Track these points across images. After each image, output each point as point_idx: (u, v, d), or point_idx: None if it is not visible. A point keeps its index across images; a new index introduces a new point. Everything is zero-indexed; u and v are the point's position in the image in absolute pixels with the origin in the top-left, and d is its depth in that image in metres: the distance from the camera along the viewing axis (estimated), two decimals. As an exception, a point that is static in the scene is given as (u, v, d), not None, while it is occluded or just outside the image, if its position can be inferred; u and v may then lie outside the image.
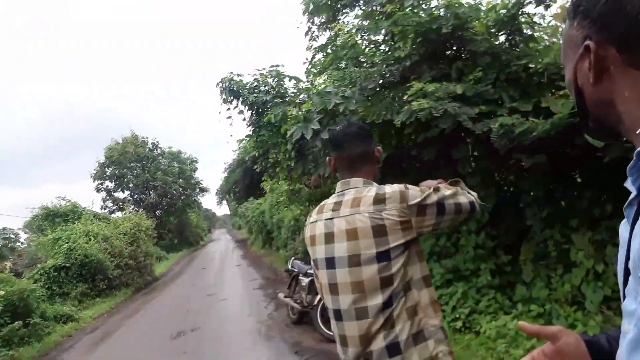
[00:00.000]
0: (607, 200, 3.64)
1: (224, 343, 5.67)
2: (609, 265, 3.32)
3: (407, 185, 1.35)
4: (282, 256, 12.21)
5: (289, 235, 11.67)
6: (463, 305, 3.92)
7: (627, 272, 0.53)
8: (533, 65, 3.85)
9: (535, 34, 4.11)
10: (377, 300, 1.26)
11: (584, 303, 3.35)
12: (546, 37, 3.77)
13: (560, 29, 3.63)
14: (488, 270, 4.06)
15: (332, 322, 1.39)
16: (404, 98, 4.23)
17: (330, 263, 1.35)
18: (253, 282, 10.15)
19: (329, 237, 1.36)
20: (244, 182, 26.28)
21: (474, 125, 3.70)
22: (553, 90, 3.91)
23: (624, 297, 0.54)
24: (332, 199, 1.43)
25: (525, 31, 4.25)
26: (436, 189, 1.33)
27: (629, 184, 0.57)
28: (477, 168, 4.36)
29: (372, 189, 1.34)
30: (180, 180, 30.86)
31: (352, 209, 1.32)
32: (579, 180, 4.24)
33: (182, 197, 30.34)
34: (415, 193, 1.31)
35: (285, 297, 6.02)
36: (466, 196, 1.37)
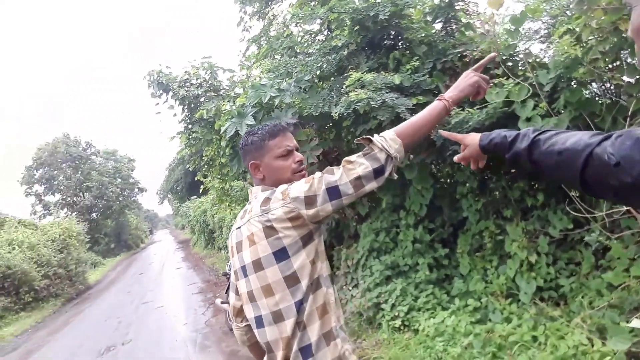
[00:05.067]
0: (538, 190, 3.66)
1: (156, 356, 5.25)
2: (541, 256, 3.31)
3: (294, 181, 1.33)
4: (224, 257, 11.76)
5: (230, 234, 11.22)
6: (402, 302, 3.79)
7: None
8: (468, 53, 3.80)
9: (470, 21, 4.07)
10: (289, 301, 1.24)
11: (518, 295, 3.33)
12: (479, 25, 3.73)
13: (495, 16, 3.59)
14: (426, 265, 3.97)
15: (255, 332, 1.36)
16: (342, 89, 4.07)
17: (244, 271, 1.35)
18: (192, 287, 9.67)
19: (239, 246, 1.37)
20: (186, 180, 25.37)
21: (411, 116, 3.59)
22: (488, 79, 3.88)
23: None
24: (244, 208, 1.44)
25: (461, 19, 4.21)
26: (329, 171, 1.25)
27: None
28: (414, 160, 4.27)
29: (265, 193, 1.34)
30: (117, 180, 29.19)
31: (249, 215, 1.34)
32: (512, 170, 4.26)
33: (119, 198, 28.65)
34: (299, 186, 1.26)
35: (222, 302, 5.66)
36: (370, 161, 1.22)
